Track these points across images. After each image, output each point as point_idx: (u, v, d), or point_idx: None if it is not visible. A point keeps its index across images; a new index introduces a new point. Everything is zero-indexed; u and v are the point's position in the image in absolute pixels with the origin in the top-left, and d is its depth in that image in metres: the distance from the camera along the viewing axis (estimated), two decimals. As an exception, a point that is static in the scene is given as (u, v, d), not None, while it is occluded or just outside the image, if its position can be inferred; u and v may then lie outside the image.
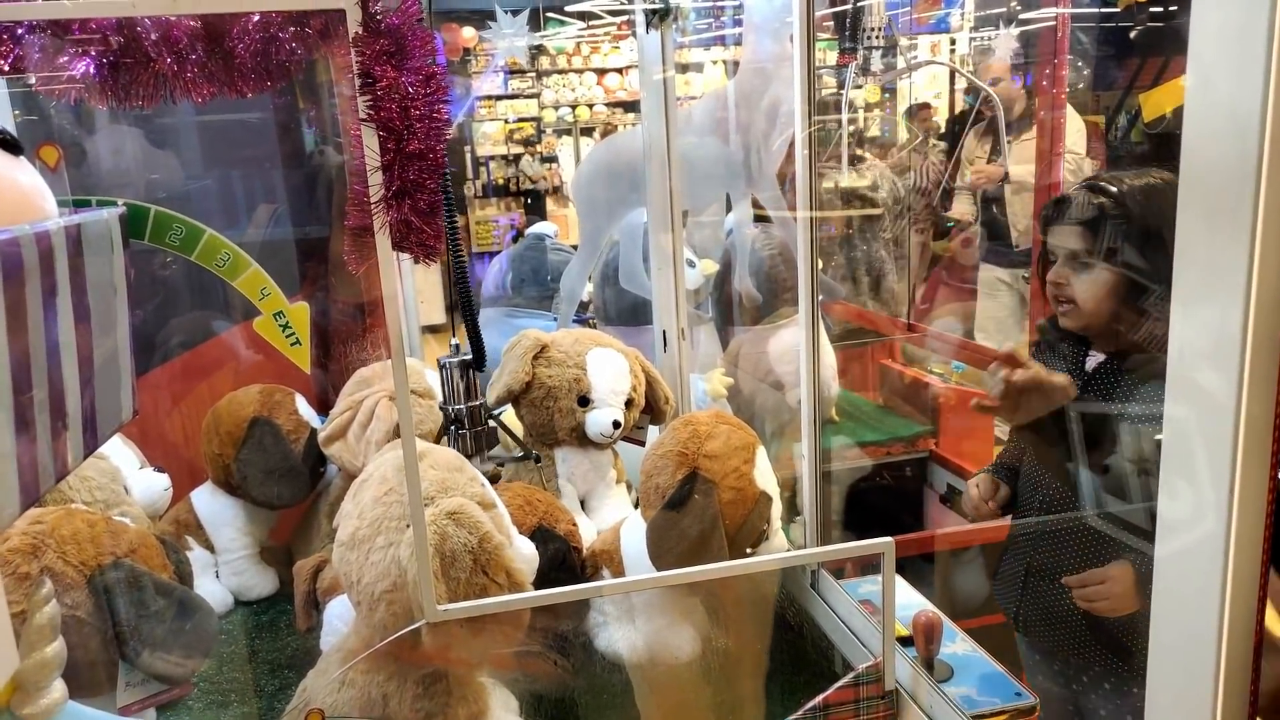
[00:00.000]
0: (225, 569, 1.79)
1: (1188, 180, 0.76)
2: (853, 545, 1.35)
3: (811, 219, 1.59)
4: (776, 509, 1.50)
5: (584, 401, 1.74)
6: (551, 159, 8.10)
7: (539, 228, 3.49)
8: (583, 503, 1.80)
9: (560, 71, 8.11)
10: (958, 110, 5.48)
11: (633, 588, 1.48)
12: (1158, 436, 0.82)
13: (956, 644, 1.55)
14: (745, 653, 1.55)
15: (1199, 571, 0.79)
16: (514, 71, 7.93)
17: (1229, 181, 0.72)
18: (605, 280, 2.79)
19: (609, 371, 1.76)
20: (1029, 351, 1.85)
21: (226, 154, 2.13)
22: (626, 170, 2.26)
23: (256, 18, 1.19)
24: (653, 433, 1.87)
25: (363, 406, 1.71)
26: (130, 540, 1.34)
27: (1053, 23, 3.66)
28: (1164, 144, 3.46)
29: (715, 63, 6.44)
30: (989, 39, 4.54)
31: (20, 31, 1.10)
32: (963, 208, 4.26)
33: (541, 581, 1.32)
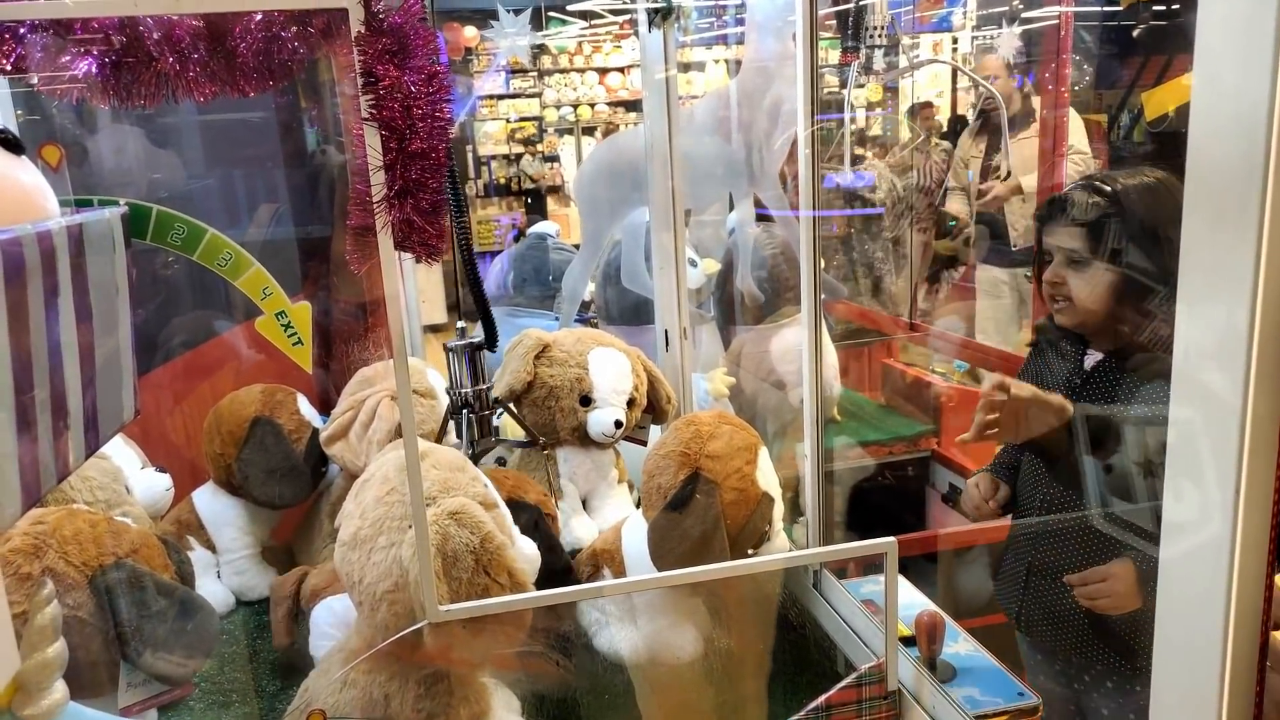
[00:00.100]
0: (227, 569, 1.79)
1: (1193, 179, 0.76)
2: (856, 545, 1.34)
3: (814, 218, 1.59)
4: (779, 510, 1.49)
5: (586, 401, 1.74)
6: (553, 158, 8.10)
7: (540, 227, 3.49)
8: (584, 502, 1.80)
9: (562, 71, 8.11)
10: (960, 109, 5.48)
11: (634, 588, 1.48)
12: (1158, 434, 0.82)
13: (959, 644, 1.54)
14: (747, 653, 1.55)
15: (1204, 573, 0.78)
16: (516, 71, 7.93)
17: (1235, 180, 0.71)
18: (607, 279, 2.79)
19: (611, 371, 1.76)
20: (1028, 351, 1.85)
21: (228, 153, 2.13)
22: (628, 169, 2.26)
23: (259, 17, 1.18)
24: (654, 432, 1.87)
25: (364, 406, 1.71)
26: (132, 540, 1.34)
27: (1055, 21, 3.65)
28: (1167, 143, 3.46)
29: (717, 62, 6.44)
30: (991, 38, 4.54)
31: (22, 31, 1.10)
32: (957, 206, 4.26)
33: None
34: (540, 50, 7.76)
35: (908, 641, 1.42)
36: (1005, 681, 1.46)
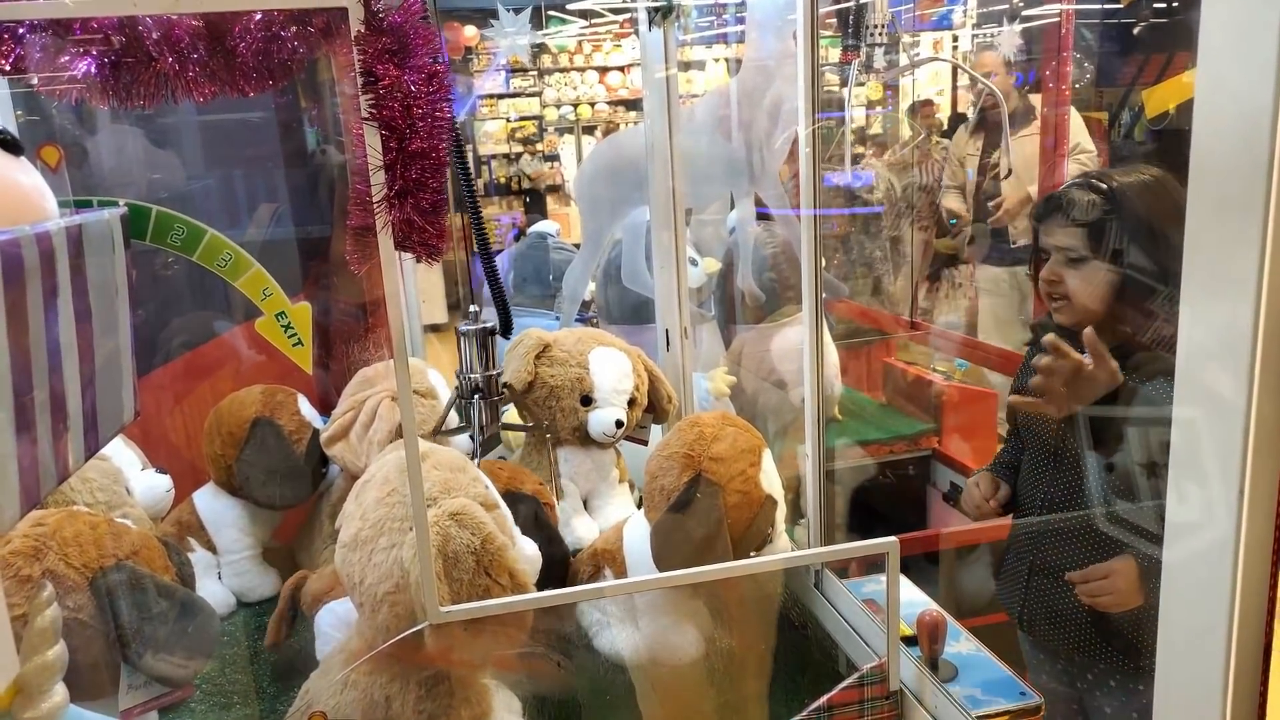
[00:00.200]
0: (227, 570, 1.79)
1: (1197, 177, 0.75)
2: (857, 545, 1.34)
3: (815, 217, 1.59)
4: (781, 512, 1.49)
5: (586, 401, 1.74)
6: (553, 157, 8.10)
7: (541, 226, 3.49)
8: (585, 502, 1.80)
9: (562, 70, 8.10)
10: (960, 107, 5.47)
11: (636, 588, 1.48)
12: (1159, 432, 0.82)
13: (961, 643, 1.54)
14: (749, 653, 1.54)
15: (1209, 573, 0.78)
16: (516, 70, 7.92)
17: (1238, 179, 0.71)
18: (608, 279, 2.79)
19: (611, 370, 1.76)
20: (1026, 350, 1.84)
21: (228, 153, 2.12)
22: (629, 169, 2.26)
23: (258, 16, 1.18)
24: (655, 432, 1.86)
25: (365, 407, 1.71)
26: (132, 542, 1.33)
27: (1056, 19, 3.65)
28: (1168, 140, 3.46)
29: (718, 60, 6.44)
30: (992, 35, 4.53)
31: (21, 31, 1.10)
32: (953, 204, 4.25)
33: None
34: (540, 49, 7.75)
35: (909, 641, 1.41)
36: (1007, 681, 1.45)
